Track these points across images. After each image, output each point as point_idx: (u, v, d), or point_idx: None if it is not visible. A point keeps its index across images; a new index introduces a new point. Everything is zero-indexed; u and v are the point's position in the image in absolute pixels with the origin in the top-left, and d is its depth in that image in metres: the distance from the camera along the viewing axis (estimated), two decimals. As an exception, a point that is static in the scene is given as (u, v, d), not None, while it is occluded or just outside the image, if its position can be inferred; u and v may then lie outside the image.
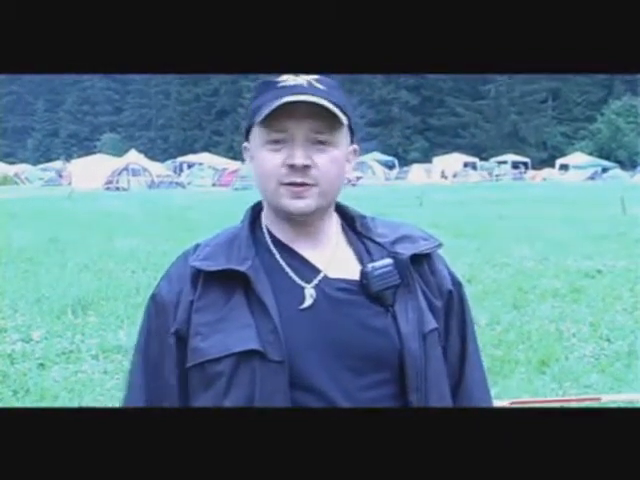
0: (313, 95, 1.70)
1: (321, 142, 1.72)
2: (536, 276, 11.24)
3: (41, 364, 6.99)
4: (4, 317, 8.68)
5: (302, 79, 1.74)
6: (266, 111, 1.69)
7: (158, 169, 52.57)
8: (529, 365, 6.94)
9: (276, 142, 1.72)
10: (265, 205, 1.83)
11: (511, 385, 6.22)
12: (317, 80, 1.75)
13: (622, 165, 62.23)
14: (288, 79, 1.74)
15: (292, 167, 1.70)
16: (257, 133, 1.76)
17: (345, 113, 1.74)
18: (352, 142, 1.83)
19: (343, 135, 1.77)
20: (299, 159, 1.70)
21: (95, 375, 6.67)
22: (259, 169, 1.76)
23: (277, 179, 1.72)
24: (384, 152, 67.33)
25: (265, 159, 1.74)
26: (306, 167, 1.71)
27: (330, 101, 1.71)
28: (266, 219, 1.83)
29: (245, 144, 1.84)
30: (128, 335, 7.72)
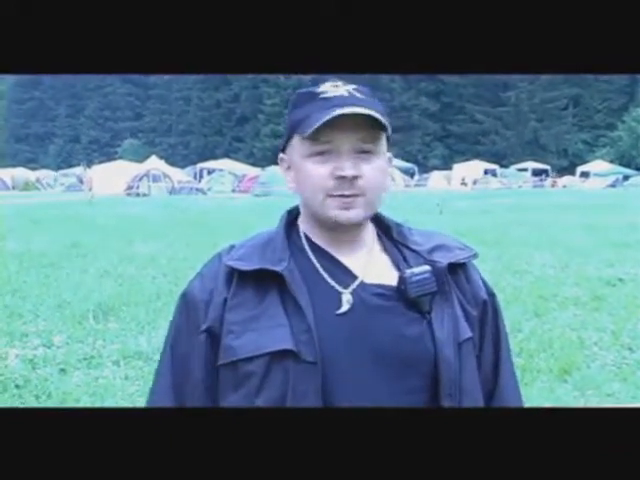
0: (359, 106, 1.70)
1: (366, 152, 1.73)
2: (557, 284, 11.19)
3: (62, 369, 7.01)
4: (26, 322, 8.72)
5: (342, 89, 1.75)
6: (316, 125, 1.69)
7: (179, 175, 52.71)
8: (550, 373, 6.90)
9: (321, 154, 1.72)
10: (304, 212, 1.83)
11: (532, 393, 6.19)
12: (356, 89, 1.76)
13: (643, 173, 61.85)
14: (328, 90, 1.75)
15: (341, 178, 1.71)
16: (298, 145, 1.76)
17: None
18: (387, 150, 1.83)
19: (384, 144, 1.78)
20: (349, 170, 1.70)
21: (116, 381, 6.68)
22: (304, 182, 1.76)
23: (325, 191, 1.73)
24: (404, 159, 67.22)
25: (311, 171, 1.74)
26: (355, 178, 1.71)
27: (374, 110, 1.72)
28: (303, 224, 1.83)
29: (281, 155, 1.84)
30: (149, 341, 7.75)
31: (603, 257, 13.73)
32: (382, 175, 1.77)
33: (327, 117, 1.69)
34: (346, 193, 1.71)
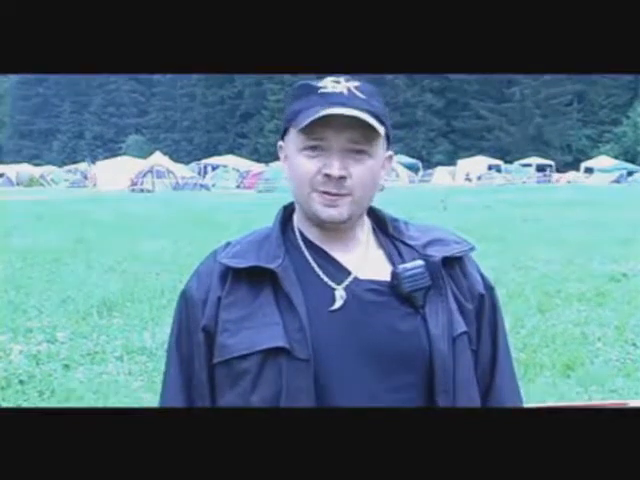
0: (353, 107, 1.69)
1: (358, 152, 1.72)
2: (561, 279, 11.18)
3: (66, 365, 7.03)
4: (30, 318, 8.74)
5: (343, 86, 1.73)
6: (306, 121, 1.69)
7: (183, 171, 52.78)
8: (554, 369, 6.91)
9: (312, 149, 1.72)
10: (297, 207, 1.83)
11: (535, 389, 6.19)
12: (357, 87, 1.74)
13: (648, 168, 61.70)
14: (328, 85, 1.74)
15: (328, 177, 1.70)
16: (294, 137, 1.75)
17: (383, 122, 1.74)
18: (388, 148, 1.82)
19: (380, 144, 1.76)
20: (336, 170, 1.70)
21: (120, 376, 6.70)
22: (294, 173, 1.76)
23: (311, 186, 1.72)
24: (408, 155, 67.14)
25: (301, 165, 1.73)
26: (342, 178, 1.70)
27: (369, 111, 1.70)
28: (298, 221, 1.83)
29: (280, 143, 1.83)
30: (153, 337, 7.76)
31: (607, 253, 13.71)
32: (373, 176, 1.75)
33: (317, 115, 1.68)
34: (332, 191, 1.71)
